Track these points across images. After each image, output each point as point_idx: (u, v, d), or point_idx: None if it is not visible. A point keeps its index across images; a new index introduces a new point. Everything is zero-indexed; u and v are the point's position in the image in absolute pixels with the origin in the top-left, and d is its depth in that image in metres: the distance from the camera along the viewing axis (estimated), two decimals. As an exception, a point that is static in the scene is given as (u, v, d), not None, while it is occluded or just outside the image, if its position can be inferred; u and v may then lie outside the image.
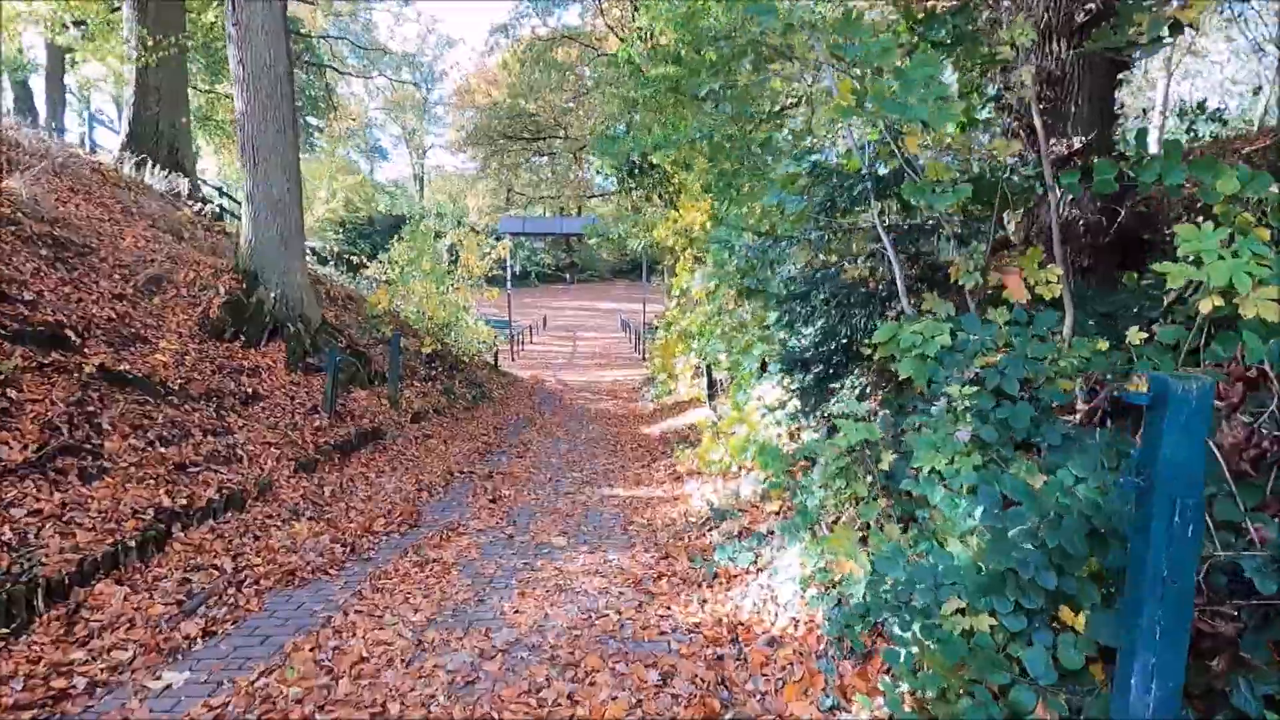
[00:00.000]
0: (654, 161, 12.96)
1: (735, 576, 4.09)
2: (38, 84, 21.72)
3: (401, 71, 35.67)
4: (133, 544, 4.10)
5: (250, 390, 7.07)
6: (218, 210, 13.06)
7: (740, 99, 6.12)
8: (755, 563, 4.05)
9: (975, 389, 2.89)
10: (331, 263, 15.79)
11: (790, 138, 7.88)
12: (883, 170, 4.57)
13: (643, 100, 11.56)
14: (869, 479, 3.41)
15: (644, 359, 22.95)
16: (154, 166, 11.70)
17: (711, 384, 9.67)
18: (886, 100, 3.15)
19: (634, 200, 22.78)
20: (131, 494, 4.54)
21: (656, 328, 18.84)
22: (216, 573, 4.17)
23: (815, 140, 8.58)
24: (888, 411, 4.09)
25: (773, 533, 4.61)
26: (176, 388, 6.19)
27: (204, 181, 14.50)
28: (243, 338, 8.15)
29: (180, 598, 3.84)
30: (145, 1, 11.66)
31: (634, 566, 4.47)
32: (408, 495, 6.23)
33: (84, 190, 9.28)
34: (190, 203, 11.32)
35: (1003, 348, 3.51)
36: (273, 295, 8.59)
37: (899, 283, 4.18)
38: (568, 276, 52.19)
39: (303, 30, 22.85)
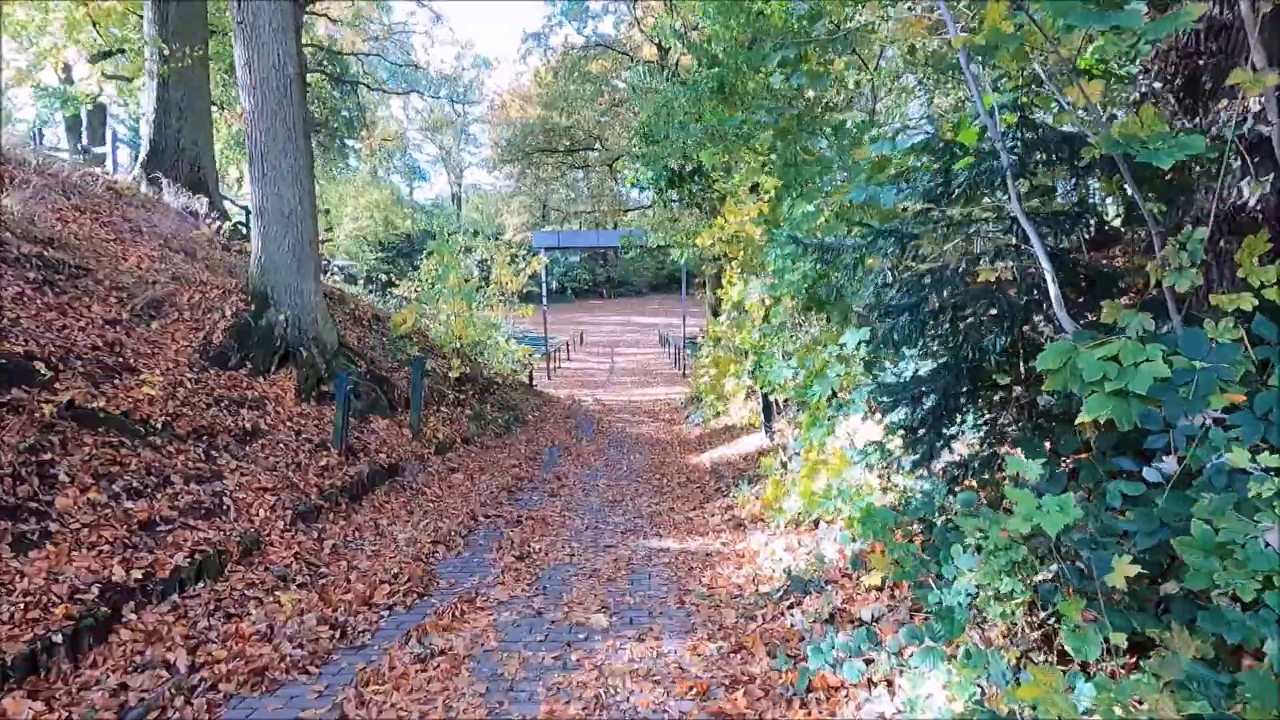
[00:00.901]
0: (697, 166, 11.98)
1: (837, 688, 3.01)
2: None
3: (439, 91, 35.59)
4: (61, 638, 3.22)
5: (250, 425, 6.26)
6: (242, 230, 12.54)
7: (813, 74, 5.11)
8: (867, 673, 2.97)
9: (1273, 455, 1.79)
10: (360, 281, 15.19)
11: (854, 130, 6.81)
12: (1006, 143, 3.49)
13: (683, 105, 10.63)
14: (1051, 576, 2.31)
15: (684, 375, 21.92)
16: (173, 184, 11.22)
17: (768, 408, 8.57)
18: (1079, 10, 2.09)
19: (672, 212, 21.88)
20: (76, 566, 3.69)
21: (699, 345, 17.81)
22: (165, 674, 3.27)
23: (884, 130, 7.49)
24: (1037, 461, 2.98)
25: (878, 620, 3.52)
26: (160, 425, 5.40)
27: (230, 200, 14.06)
28: (250, 364, 7.41)
29: (108, 716, 2.94)
30: (165, 13, 11.24)
31: (697, 664, 3.42)
32: (421, 550, 5.30)
33: (92, 209, 8.73)
34: (209, 221, 10.77)
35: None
36: (284, 317, 7.84)
37: (1051, 288, 3.09)
38: (604, 291, 51.68)
39: (335, 48, 22.69)
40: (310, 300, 8.13)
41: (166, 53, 10.61)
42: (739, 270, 10.13)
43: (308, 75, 21.76)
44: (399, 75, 30.58)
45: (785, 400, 8.88)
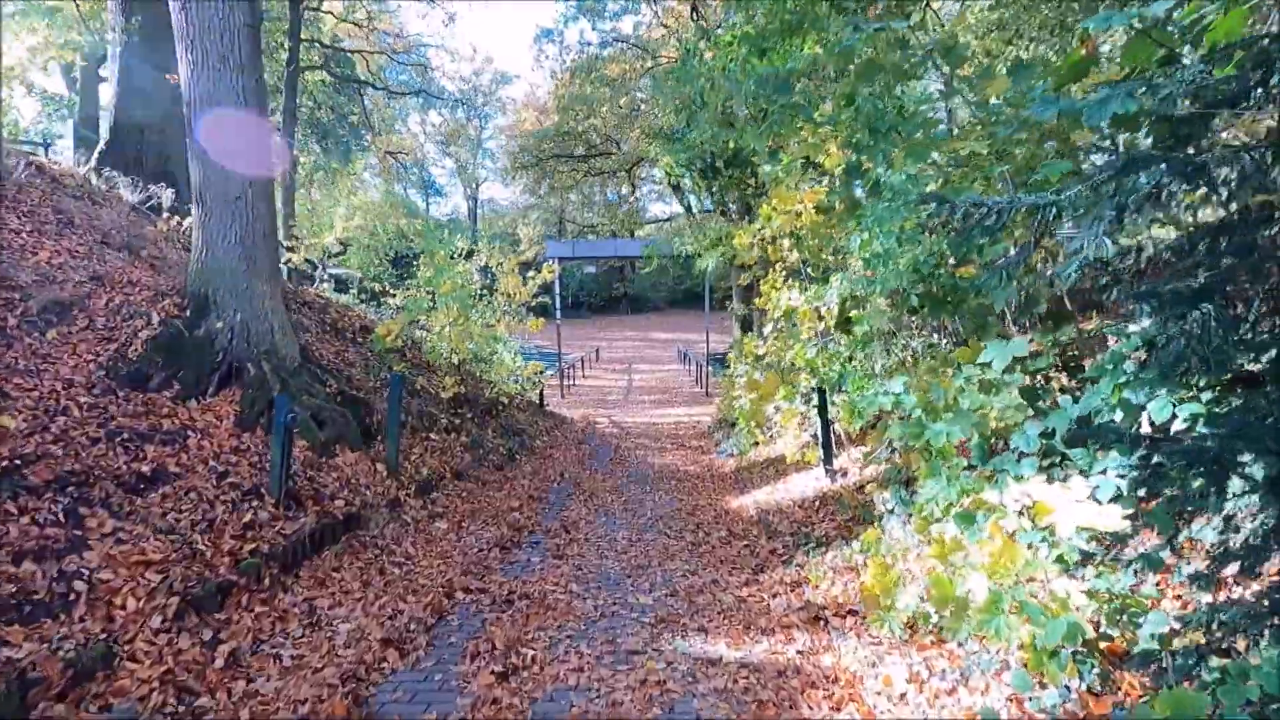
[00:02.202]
0: (733, 155, 10.40)
1: None
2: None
3: (451, 95, 34.57)
4: None
5: (152, 468, 4.69)
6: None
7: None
8: None
9: None
10: (354, 289, 13.76)
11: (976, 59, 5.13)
12: None
13: (720, 74, 9.07)
14: None
15: (708, 394, 20.25)
16: (133, 175, 9.85)
17: (828, 441, 6.87)
18: None
19: (693, 219, 20.33)
20: None
21: (727, 362, 16.16)
22: None
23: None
24: None
25: None
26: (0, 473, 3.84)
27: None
28: (178, 385, 5.87)
29: None
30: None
31: None
32: (364, 655, 3.67)
33: (12, 198, 7.30)
34: (169, 216, 9.36)
35: None
36: (226, 325, 6.32)
37: None
38: (623, 305, 50.43)
39: (338, 45, 21.54)
40: (263, 305, 6.60)
41: (129, 28, 9.27)
42: (783, 275, 8.49)
43: (310, 74, 20.60)
44: (410, 78, 29.61)
45: (847, 428, 7.20)
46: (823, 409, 6.77)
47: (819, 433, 6.98)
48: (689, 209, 20.16)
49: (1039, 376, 3.36)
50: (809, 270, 7.72)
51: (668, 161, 11.92)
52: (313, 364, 7.50)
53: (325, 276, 13.10)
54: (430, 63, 31.12)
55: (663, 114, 15.19)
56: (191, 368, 6.06)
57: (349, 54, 21.92)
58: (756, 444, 9.70)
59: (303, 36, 18.94)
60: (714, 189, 12.63)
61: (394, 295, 12.98)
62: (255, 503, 4.92)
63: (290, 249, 13.31)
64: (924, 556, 3.64)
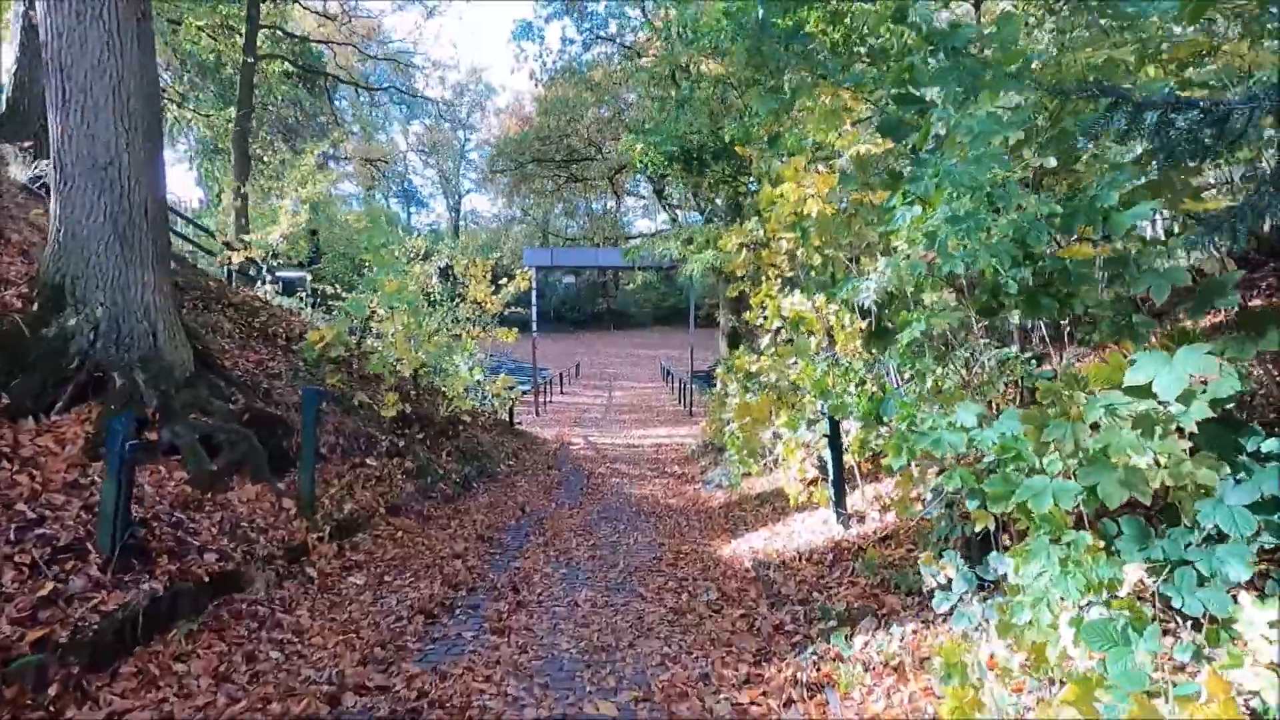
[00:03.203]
0: (721, 147, 9.26)
1: None
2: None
3: (431, 103, 33.46)
4: None
5: (-89, 516, 3.33)
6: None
7: None
8: None
9: None
10: (302, 291, 12.40)
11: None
12: None
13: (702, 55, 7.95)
14: None
15: (690, 414, 19.05)
16: (35, 151, 8.51)
17: (841, 478, 5.64)
18: None
19: (672, 213, 19.25)
20: None
21: (713, 381, 14.99)
22: None
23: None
24: None
25: None
26: None
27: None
28: (6, 398, 4.52)
29: None
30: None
31: None
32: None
33: None
34: (66, 199, 8.01)
35: None
36: (86, 323, 4.99)
37: None
38: (606, 320, 49.44)
39: (308, 38, 20.29)
40: (141, 299, 5.27)
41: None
42: (779, 281, 7.32)
43: (274, 66, 19.32)
44: (391, 80, 28.51)
45: (863, 462, 6.00)
46: (834, 439, 5.56)
47: (828, 467, 5.75)
48: (674, 220, 19.08)
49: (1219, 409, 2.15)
50: (814, 273, 6.55)
51: (639, 150, 10.72)
52: (215, 374, 6.16)
53: (268, 278, 11.74)
54: (414, 64, 29.99)
55: (646, 111, 14.10)
56: (33, 376, 4.72)
57: (312, 43, 20.69)
58: (748, 474, 8.46)
59: (265, 23, 17.70)
60: (700, 188, 11.48)
61: (345, 299, 11.65)
62: (72, 564, 3.57)
63: (231, 248, 11.95)
64: (1011, 665, 2.41)
